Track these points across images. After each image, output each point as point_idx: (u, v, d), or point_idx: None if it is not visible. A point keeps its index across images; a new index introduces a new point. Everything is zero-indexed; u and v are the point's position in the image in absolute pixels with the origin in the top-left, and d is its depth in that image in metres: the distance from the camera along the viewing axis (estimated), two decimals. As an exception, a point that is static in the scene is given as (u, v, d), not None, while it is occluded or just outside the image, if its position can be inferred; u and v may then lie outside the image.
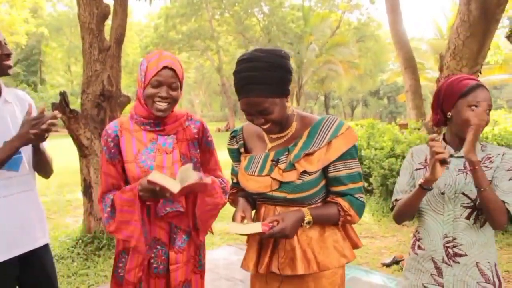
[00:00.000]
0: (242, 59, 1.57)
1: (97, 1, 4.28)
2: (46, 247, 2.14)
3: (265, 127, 1.60)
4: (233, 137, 1.86)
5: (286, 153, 1.64)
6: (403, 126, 8.61)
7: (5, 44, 1.92)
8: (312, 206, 1.64)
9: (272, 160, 1.66)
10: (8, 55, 1.91)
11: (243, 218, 1.64)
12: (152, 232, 1.77)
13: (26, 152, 1.97)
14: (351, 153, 1.62)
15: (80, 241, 4.40)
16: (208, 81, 56.21)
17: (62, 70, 45.12)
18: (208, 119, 65.67)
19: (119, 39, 4.90)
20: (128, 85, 51.32)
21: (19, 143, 1.80)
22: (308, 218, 1.58)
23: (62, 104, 4.05)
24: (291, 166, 1.60)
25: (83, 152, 4.30)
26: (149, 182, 1.57)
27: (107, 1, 4.76)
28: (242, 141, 1.83)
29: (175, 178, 1.59)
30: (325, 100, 48.15)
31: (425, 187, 1.68)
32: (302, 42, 28.78)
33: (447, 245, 1.77)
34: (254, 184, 1.69)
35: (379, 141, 6.86)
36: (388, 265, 4.28)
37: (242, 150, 1.83)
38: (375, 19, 38.98)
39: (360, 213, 1.65)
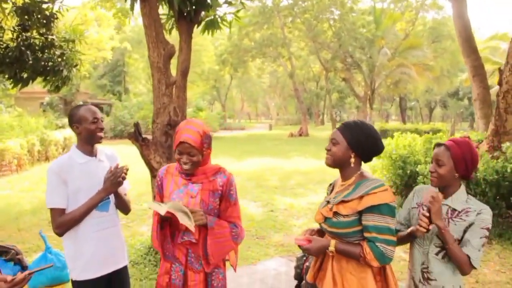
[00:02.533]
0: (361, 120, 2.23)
1: (164, 43, 4.94)
2: (125, 268, 2.89)
3: (326, 156, 2.21)
4: (330, 185, 2.43)
5: (337, 198, 2.19)
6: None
7: (102, 120, 2.69)
8: (344, 241, 2.13)
9: (327, 201, 2.25)
10: (101, 129, 2.67)
11: (304, 234, 2.31)
12: (174, 252, 2.39)
13: (112, 197, 2.73)
14: (381, 210, 2.02)
15: (152, 249, 5.10)
16: (282, 85, 56.94)
17: (144, 79, 47.95)
18: (283, 122, 66.39)
19: (184, 71, 5.57)
20: (205, 92, 53.48)
21: (104, 194, 2.60)
22: (331, 248, 2.11)
23: (136, 133, 4.77)
24: (332, 207, 2.16)
25: (154, 173, 4.99)
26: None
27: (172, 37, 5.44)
28: (332, 188, 2.39)
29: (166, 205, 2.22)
30: (400, 102, 46.84)
31: (412, 236, 2.31)
32: (374, 46, 28.48)
33: (423, 270, 2.31)
34: (316, 216, 2.31)
35: (434, 156, 6.99)
36: None
37: (328, 192, 2.41)
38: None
39: (380, 259, 2.02)
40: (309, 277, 2.34)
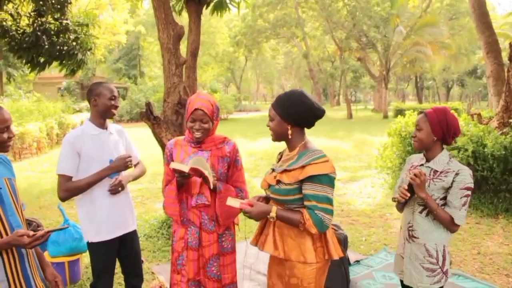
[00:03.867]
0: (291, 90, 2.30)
1: (173, 24, 5.08)
2: (135, 231, 3.15)
3: (270, 133, 2.31)
4: (279, 153, 2.52)
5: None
6: (477, 116, 8.53)
7: (118, 100, 2.96)
8: (285, 208, 2.23)
9: (272, 169, 2.38)
10: (116, 107, 2.94)
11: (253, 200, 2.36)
12: (188, 216, 2.61)
13: None
14: (320, 180, 2.12)
15: (165, 223, 5.33)
16: (297, 66, 56.61)
17: (159, 62, 48.10)
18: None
19: (194, 52, 5.73)
20: (220, 74, 53.41)
21: (110, 172, 2.84)
22: (272, 214, 2.19)
23: (148, 112, 4.95)
24: (276, 175, 2.28)
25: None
26: (172, 169, 2.47)
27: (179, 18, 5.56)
28: (280, 156, 2.49)
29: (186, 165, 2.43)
30: (416, 81, 46.24)
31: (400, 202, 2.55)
32: (389, 24, 28.11)
33: (409, 228, 2.55)
34: (262, 182, 2.43)
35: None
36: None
37: (277, 160, 2.52)
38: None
39: (318, 226, 2.11)
40: (251, 241, 2.47)
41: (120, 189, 2.89)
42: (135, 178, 3.12)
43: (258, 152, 13.21)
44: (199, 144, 2.61)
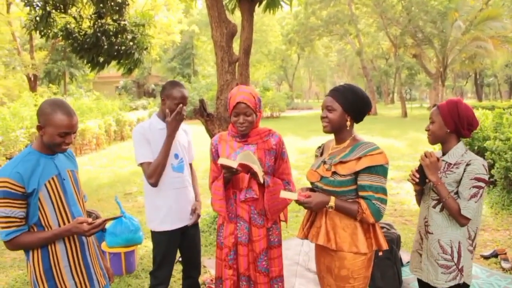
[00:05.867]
0: (349, 84, 2.37)
1: (226, 22, 5.17)
2: (196, 224, 3.21)
3: (324, 124, 2.31)
4: (319, 147, 2.60)
5: (333, 159, 2.32)
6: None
7: (185, 104, 2.98)
8: (341, 198, 2.24)
9: (323, 161, 2.37)
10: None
11: (300, 192, 2.33)
12: (237, 211, 2.61)
13: (186, 158, 3.12)
14: (377, 170, 2.18)
15: (216, 218, 5.43)
16: (350, 64, 55.69)
17: (212, 61, 48.88)
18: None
19: (247, 49, 5.77)
20: (272, 72, 53.57)
21: (171, 132, 2.91)
22: (331, 203, 2.21)
23: (201, 109, 5.06)
24: (330, 167, 2.28)
25: (218, 147, 5.29)
26: (220, 165, 2.44)
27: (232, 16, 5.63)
28: (321, 150, 2.54)
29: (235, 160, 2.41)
30: (475, 78, 44.24)
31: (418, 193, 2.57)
32: (446, 19, 27.02)
33: (425, 224, 2.51)
34: (309, 175, 2.43)
35: (505, 132, 6.67)
36: (486, 257, 4.46)
37: (318, 155, 2.55)
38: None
39: (376, 216, 2.18)
40: (299, 235, 2.49)
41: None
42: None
43: (310, 150, 13.13)
44: (244, 138, 2.60)
